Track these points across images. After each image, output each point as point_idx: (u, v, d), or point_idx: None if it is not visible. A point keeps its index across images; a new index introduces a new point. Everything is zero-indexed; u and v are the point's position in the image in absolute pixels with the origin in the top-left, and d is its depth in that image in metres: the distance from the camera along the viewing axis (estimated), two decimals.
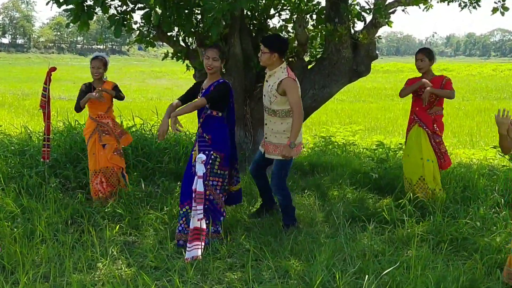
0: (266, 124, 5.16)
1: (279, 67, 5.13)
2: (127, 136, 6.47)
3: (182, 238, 4.95)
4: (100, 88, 6.17)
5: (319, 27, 7.57)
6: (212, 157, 4.91)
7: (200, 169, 4.27)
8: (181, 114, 4.73)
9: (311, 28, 7.75)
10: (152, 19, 6.62)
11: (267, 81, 5.20)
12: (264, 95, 5.18)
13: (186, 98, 5.06)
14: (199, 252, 4.43)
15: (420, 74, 6.26)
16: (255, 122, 7.60)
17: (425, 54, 6.11)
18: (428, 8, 7.49)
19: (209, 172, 4.88)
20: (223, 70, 5.02)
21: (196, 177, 4.36)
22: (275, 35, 5.34)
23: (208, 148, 4.95)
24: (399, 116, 17.95)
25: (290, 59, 7.40)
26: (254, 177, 5.56)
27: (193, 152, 4.96)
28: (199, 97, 5.02)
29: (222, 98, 4.93)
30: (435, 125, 6.16)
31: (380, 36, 7.29)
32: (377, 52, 7.35)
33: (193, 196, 4.59)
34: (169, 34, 7.32)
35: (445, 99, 6.12)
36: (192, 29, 6.92)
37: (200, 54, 7.04)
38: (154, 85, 34.53)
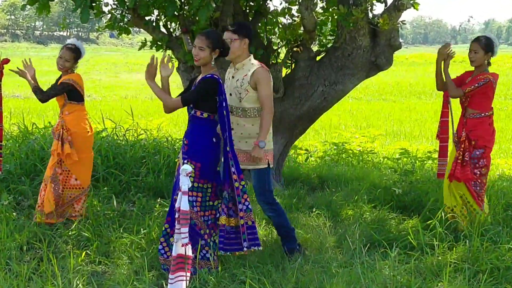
0: (232, 128, 5.17)
1: (247, 59, 5.26)
2: (73, 151, 6.22)
3: (164, 262, 4.98)
4: (18, 68, 6.12)
5: (330, 10, 7.60)
6: (191, 175, 4.90)
7: (184, 182, 4.26)
8: (153, 91, 4.95)
9: (320, 11, 7.79)
10: (126, 0, 6.64)
11: (233, 77, 5.24)
12: (230, 94, 5.21)
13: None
14: (184, 285, 4.42)
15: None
16: None
17: (480, 45, 6.06)
18: None
19: None
20: (213, 63, 5.01)
21: (179, 193, 4.36)
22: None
23: (185, 156, 4.98)
24: (427, 118, 18.00)
25: (294, 49, 7.43)
26: None
27: (176, 160, 4.99)
28: None
29: (205, 97, 4.92)
30: (465, 131, 6.07)
31: (404, 21, 7.32)
32: (400, 40, 7.37)
33: (176, 216, 4.58)
34: (147, 18, 7.34)
35: (488, 99, 6.06)
36: (175, 13, 6.94)
37: (185, 42, 7.05)
38: (129, 80, 34.59)
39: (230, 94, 5.22)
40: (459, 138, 6.12)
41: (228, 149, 4.91)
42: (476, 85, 5.98)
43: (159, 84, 5.02)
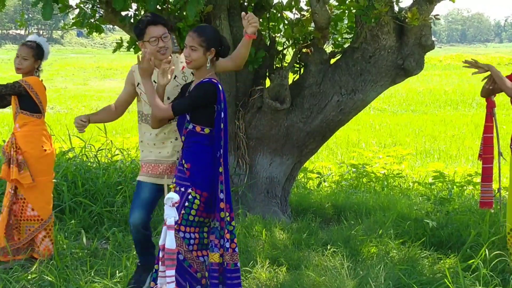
0: (177, 139, 5.32)
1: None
2: (24, 174, 6.16)
3: None
4: None
5: (347, 2, 7.63)
6: (189, 197, 4.89)
7: (170, 214, 4.26)
8: (147, 91, 4.94)
9: (335, 4, 7.82)
10: None
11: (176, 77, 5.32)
12: (168, 98, 5.27)
13: None
14: None
15: None
16: (252, 144, 7.62)
17: None
18: None
19: (181, 218, 4.85)
20: (208, 65, 5.02)
21: (164, 228, 4.36)
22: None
23: (185, 183, 4.93)
24: (467, 133, 18.01)
25: (303, 50, 7.46)
26: (144, 229, 5.52)
27: (169, 186, 4.94)
28: None
29: (203, 106, 4.92)
30: None
31: (438, 15, 7.35)
32: (433, 39, 7.40)
33: (160, 255, 4.57)
34: (123, 14, 7.37)
35: None
36: (157, 7, 6.98)
37: (171, 43, 7.07)
38: (101, 88, 34.66)
39: (168, 98, 5.25)
40: None
41: (221, 170, 4.90)
42: None
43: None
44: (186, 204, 4.87)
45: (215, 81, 4.92)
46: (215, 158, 4.93)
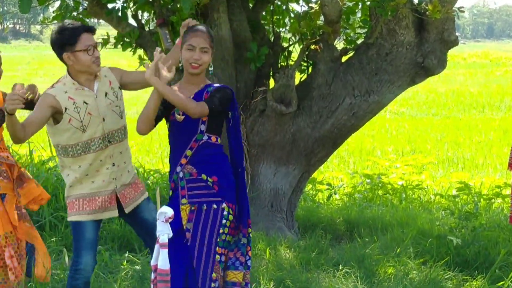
0: (115, 164, 5.26)
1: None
2: (28, 186, 6.18)
3: None
4: None
5: None
6: (225, 213, 4.93)
7: (164, 231, 4.27)
8: (170, 96, 4.78)
9: None
10: None
11: (99, 94, 5.25)
12: (104, 119, 5.20)
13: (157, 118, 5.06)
14: None
15: None
16: (254, 152, 7.62)
17: None
18: None
19: (216, 237, 4.89)
20: (211, 68, 5.06)
21: (156, 246, 4.36)
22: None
23: (215, 199, 4.94)
24: (494, 140, 17.99)
25: (312, 47, 7.46)
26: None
27: (182, 207, 4.94)
28: (178, 116, 5.00)
29: (222, 112, 5.03)
30: None
31: (462, 7, 7.36)
32: (456, 34, 7.40)
33: (152, 277, 4.58)
34: (110, 6, 7.39)
35: None
36: None
37: (162, 39, 7.09)
38: None
39: (104, 119, 5.19)
40: None
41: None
42: None
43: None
44: (223, 222, 4.91)
45: (230, 88, 5.07)
46: (233, 168, 5.03)
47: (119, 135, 5.28)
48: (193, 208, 4.90)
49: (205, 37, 4.94)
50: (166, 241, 4.14)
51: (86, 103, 5.14)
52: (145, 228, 5.44)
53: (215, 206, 4.91)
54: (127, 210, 5.32)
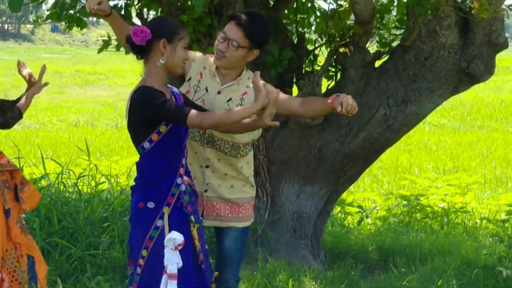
0: (207, 166, 5.31)
1: (245, 71, 5.39)
2: (29, 189, 6.34)
3: None
4: None
5: None
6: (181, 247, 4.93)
7: (172, 260, 4.27)
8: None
9: None
10: None
11: (219, 92, 5.27)
12: None
13: None
14: None
15: None
16: (275, 169, 7.62)
17: None
18: None
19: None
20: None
21: (164, 276, 4.37)
22: None
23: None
24: None
25: (341, 50, 7.47)
26: None
27: (192, 225, 4.97)
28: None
29: None
30: None
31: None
32: (506, 35, 7.38)
33: None
34: (112, 3, 7.42)
35: None
36: None
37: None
38: (82, 98, 34.79)
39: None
40: None
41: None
42: None
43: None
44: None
45: None
46: None
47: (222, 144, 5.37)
48: (197, 225, 4.96)
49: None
50: (175, 271, 4.14)
51: (198, 89, 5.29)
52: None
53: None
54: (209, 223, 5.41)
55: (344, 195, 9.53)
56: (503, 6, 7.17)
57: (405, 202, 10.61)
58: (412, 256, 8.09)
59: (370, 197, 11.78)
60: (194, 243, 4.92)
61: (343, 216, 10.23)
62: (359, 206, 10.53)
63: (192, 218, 4.95)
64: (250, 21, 5.09)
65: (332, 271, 7.62)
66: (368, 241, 8.69)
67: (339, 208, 10.17)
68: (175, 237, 4.23)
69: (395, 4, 7.86)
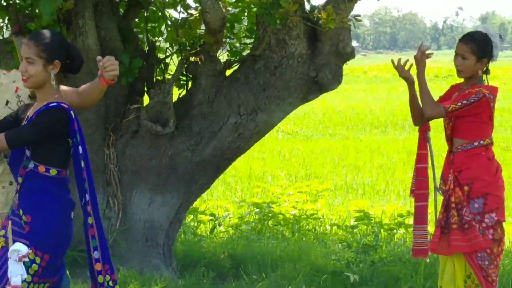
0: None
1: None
2: None
3: None
4: None
5: None
6: (26, 259, 4.75)
7: (16, 271, 4.20)
8: None
9: (231, 1, 7.88)
10: None
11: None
12: None
13: None
14: None
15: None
16: (126, 178, 7.57)
17: (472, 46, 6.14)
18: None
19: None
20: (53, 83, 4.84)
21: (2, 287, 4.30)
22: None
23: (21, 240, 4.79)
24: (398, 163, 18.33)
25: (192, 59, 7.48)
26: None
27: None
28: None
29: (48, 139, 4.80)
30: (453, 173, 6.14)
31: (359, 16, 7.49)
32: (355, 44, 7.53)
33: None
34: None
35: (483, 123, 6.13)
36: (3, 2, 6.91)
37: (18, 49, 7.00)
38: None
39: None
40: (446, 186, 6.16)
41: (90, 221, 4.82)
42: (465, 101, 6.06)
43: None
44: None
45: (66, 106, 4.73)
46: (67, 211, 4.84)
47: None
48: (4, 244, 4.76)
49: (30, 45, 4.73)
50: (19, 283, 4.07)
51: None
52: None
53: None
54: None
55: (197, 203, 9.55)
56: (349, 17, 7.31)
57: (257, 209, 10.66)
58: (263, 263, 8.15)
59: (223, 205, 11.80)
60: None
61: (195, 224, 10.22)
62: (212, 214, 10.54)
63: (2, 232, 4.80)
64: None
65: (184, 279, 7.62)
66: (220, 249, 8.71)
67: (191, 217, 10.16)
68: (19, 249, 4.16)
69: (246, 13, 7.91)
